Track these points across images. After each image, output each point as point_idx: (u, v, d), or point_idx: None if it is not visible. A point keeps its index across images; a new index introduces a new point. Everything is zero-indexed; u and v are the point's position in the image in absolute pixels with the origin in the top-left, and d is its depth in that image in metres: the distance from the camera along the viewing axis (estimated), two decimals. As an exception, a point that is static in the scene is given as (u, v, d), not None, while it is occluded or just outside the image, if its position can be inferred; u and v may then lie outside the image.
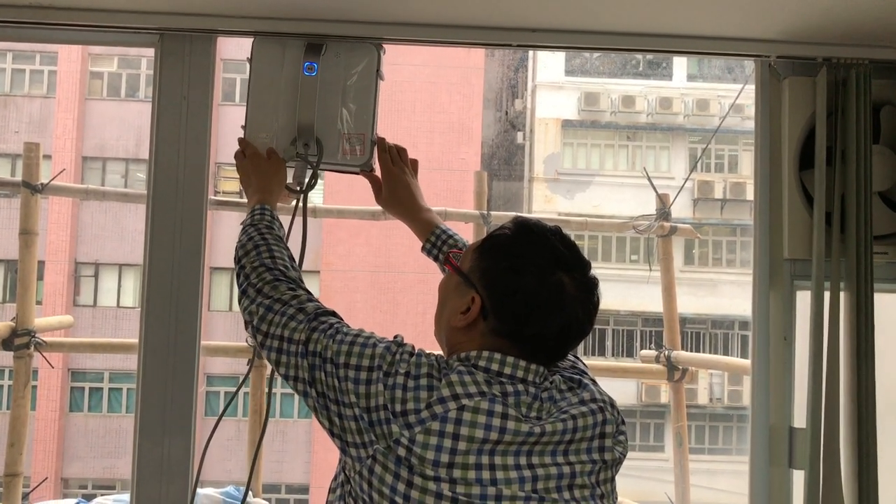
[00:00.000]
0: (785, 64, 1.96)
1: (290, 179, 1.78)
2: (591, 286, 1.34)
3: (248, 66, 1.83)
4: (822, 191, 1.86)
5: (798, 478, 1.91)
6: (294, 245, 1.66)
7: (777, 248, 1.94)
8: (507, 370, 1.29)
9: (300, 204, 1.74)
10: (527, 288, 1.29)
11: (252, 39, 1.84)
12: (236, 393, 2.11)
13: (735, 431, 15.82)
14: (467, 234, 5.35)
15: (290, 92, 1.78)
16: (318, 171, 1.78)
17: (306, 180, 1.77)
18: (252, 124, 1.81)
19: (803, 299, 1.94)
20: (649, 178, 5.22)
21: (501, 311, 1.30)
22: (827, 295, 1.86)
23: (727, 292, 15.89)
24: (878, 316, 1.86)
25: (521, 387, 1.28)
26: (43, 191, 4.34)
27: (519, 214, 1.38)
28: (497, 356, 1.29)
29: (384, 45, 1.84)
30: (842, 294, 1.87)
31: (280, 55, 1.80)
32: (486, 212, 4.85)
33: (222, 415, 1.83)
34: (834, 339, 1.84)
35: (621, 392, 15.41)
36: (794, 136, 1.93)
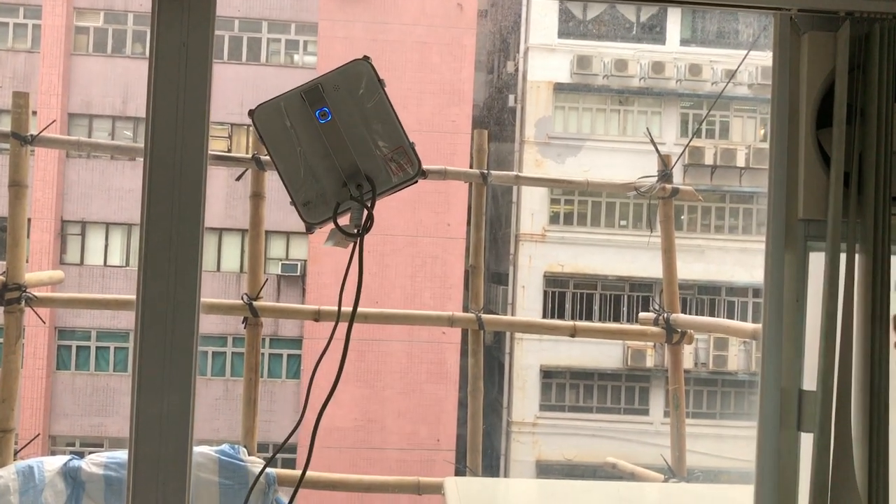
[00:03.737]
0: (805, 18, 1.90)
1: (346, 222, 1.76)
2: None
3: (261, 143, 1.80)
4: (841, 150, 1.82)
5: (806, 440, 1.89)
6: (350, 286, 1.64)
7: (792, 208, 1.91)
8: None
9: (356, 247, 1.75)
10: None
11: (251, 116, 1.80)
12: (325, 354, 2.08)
13: (719, 396, 15.97)
14: (463, 192, 5.28)
15: (312, 144, 1.76)
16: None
17: (362, 222, 1.76)
18: (295, 191, 1.79)
19: (815, 261, 1.91)
20: (653, 141, 5.17)
21: None
22: (843, 256, 1.82)
23: (715, 258, 15.93)
24: (895, 278, 1.83)
25: None
26: (33, 142, 4.24)
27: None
28: None
29: (370, 57, 1.81)
30: (857, 256, 1.84)
31: (282, 116, 1.78)
32: (486, 170, 4.78)
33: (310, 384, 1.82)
34: (848, 302, 1.81)
35: (606, 356, 15.49)
36: (812, 93, 1.88)
